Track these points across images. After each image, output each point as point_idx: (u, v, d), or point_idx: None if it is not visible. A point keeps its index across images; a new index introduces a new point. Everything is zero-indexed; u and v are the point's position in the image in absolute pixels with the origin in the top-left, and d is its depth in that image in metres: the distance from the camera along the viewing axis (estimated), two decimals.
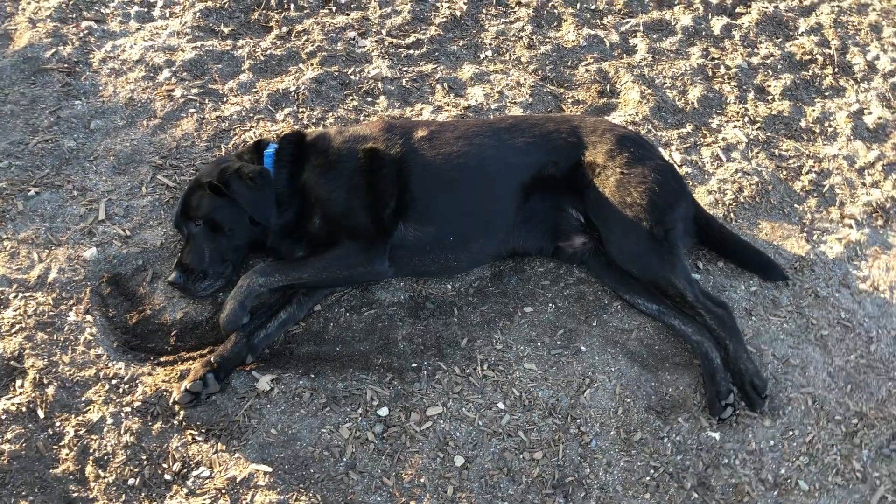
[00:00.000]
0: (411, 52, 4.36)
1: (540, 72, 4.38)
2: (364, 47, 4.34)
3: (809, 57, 4.74)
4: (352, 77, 4.15)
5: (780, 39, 4.86)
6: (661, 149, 3.97)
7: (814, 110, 4.40)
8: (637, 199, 3.21)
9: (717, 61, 4.62)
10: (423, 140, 3.27)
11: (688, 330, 3.21)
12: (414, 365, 3.06)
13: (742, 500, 2.85)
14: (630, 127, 4.05)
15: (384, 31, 4.46)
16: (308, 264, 3.07)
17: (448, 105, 4.06)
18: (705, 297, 3.22)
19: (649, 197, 3.22)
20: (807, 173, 4.03)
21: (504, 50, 4.50)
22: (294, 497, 2.66)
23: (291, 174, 3.24)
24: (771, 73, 4.59)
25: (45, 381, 2.84)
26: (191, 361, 3.00)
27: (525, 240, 3.36)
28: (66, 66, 3.94)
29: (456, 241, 3.22)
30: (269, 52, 4.21)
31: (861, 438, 3.07)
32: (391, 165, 3.19)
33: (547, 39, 4.59)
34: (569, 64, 4.47)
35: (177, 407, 2.83)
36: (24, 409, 2.76)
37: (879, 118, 4.36)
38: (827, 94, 4.54)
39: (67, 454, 2.69)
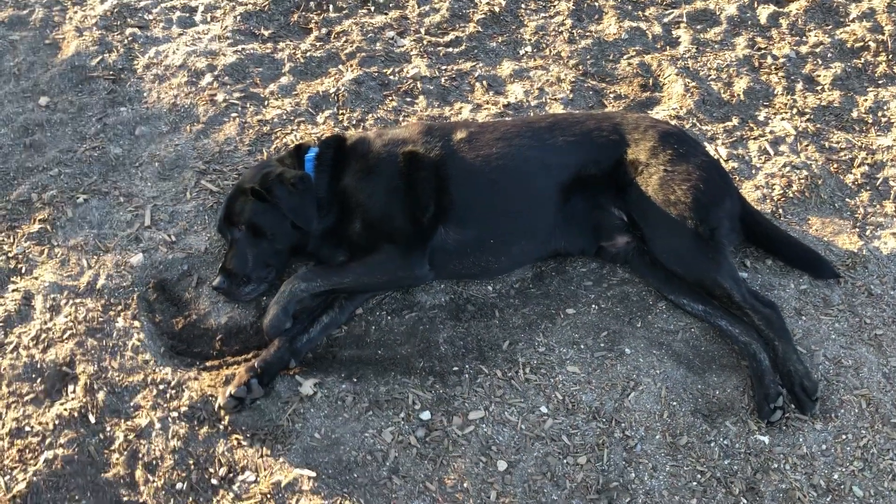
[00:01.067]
0: (450, 50, 4.34)
1: (581, 66, 4.32)
2: (403, 47, 4.33)
3: (861, 44, 4.58)
4: (391, 77, 4.14)
5: (829, 27, 4.71)
6: (706, 143, 3.89)
7: (866, 100, 4.26)
8: (681, 197, 3.15)
9: (763, 51, 4.50)
10: (463, 142, 3.25)
11: (735, 331, 3.14)
12: (455, 368, 3.05)
13: None
14: (674, 121, 3.98)
15: (423, 30, 4.45)
16: (349, 269, 3.08)
17: (488, 103, 4.03)
18: (752, 296, 3.15)
19: (694, 195, 3.16)
20: (859, 166, 3.91)
21: (544, 45, 4.44)
22: (338, 502, 2.68)
23: (332, 178, 3.25)
24: (820, 62, 4.45)
25: (96, 387, 2.90)
26: (236, 366, 3.04)
27: (567, 240, 3.33)
28: (111, 73, 4.01)
29: (496, 244, 3.20)
30: (308, 54, 4.23)
31: None
32: (430, 169, 3.18)
33: (587, 33, 4.52)
34: (610, 58, 4.39)
35: (222, 412, 2.88)
36: (75, 414, 2.82)
37: None
38: (880, 82, 4.38)
39: (118, 458, 2.75)
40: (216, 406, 2.89)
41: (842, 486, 2.84)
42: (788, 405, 2.99)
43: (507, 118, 3.86)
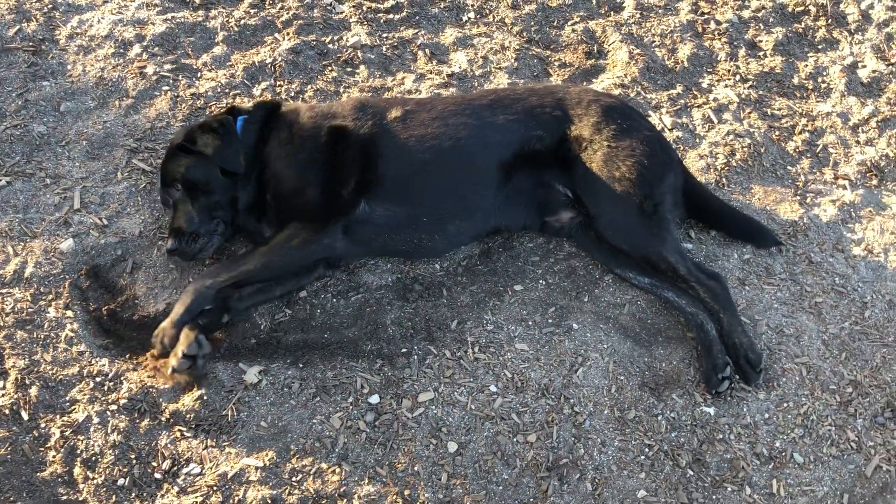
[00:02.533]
0: (391, 16, 4.20)
1: (525, 33, 4.24)
2: (342, 13, 4.18)
3: (802, 8, 4.60)
4: (330, 46, 4.00)
5: None
6: (650, 112, 3.88)
7: (807, 65, 4.29)
8: (625, 172, 3.14)
9: (707, 16, 4.48)
10: (397, 120, 3.19)
11: (682, 302, 3.17)
12: (404, 350, 3.01)
13: (737, 475, 2.84)
14: (619, 90, 3.94)
15: None
16: (255, 256, 3.02)
17: (431, 72, 3.93)
18: (697, 269, 3.17)
19: (637, 170, 3.15)
20: (800, 133, 3.95)
21: (487, 11, 4.34)
22: (287, 491, 2.63)
23: (258, 141, 3.20)
24: (762, 26, 4.46)
25: (28, 382, 2.78)
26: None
27: (509, 218, 3.29)
28: (31, 44, 3.78)
29: (430, 222, 3.15)
30: (242, 22, 4.04)
31: (855, 408, 3.05)
32: (356, 145, 3.13)
33: None
34: (554, 24, 4.32)
35: (175, 375, 2.80)
36: (7, 411, 2.70)
37: (874, 71, 4.26)
38: (820, 47, 4.42)
39: (54, 456, 2.64)
40: (169, 370, 2.80)
41: (783, 454, 2.91)
42: (734, 376, 3.03)
43: (446, 95, 3.76)
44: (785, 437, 2.95)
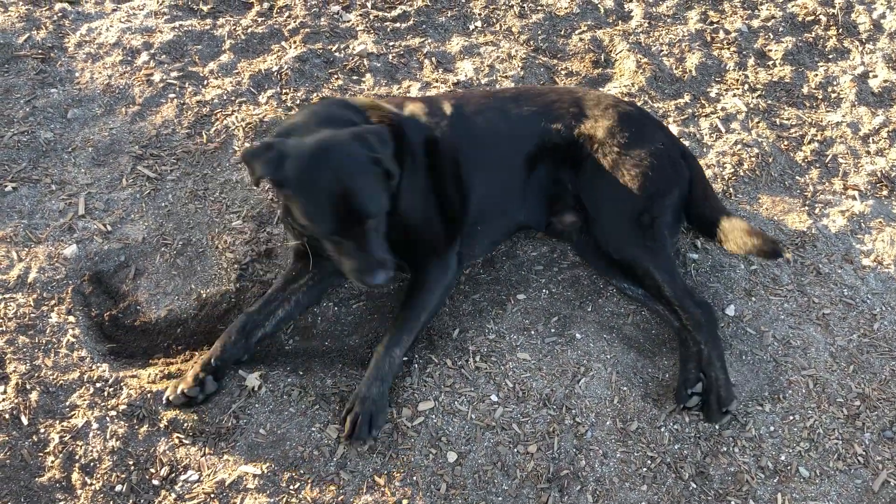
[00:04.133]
0: (398, 25, 4.21)
1: (532, 42, 4.23)
2: (348, 21, 4.19)
3: (812, 17, 4.56)
4: (336, 54, 4.01)
5: (781, 0, 4.67)
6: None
7: (816, 75, 4.25)
8: (629, 181, 3.11)
9: (715, 25, 4.45)
10: (456, 119, 3.13)
11: (671, 316, 3.12)
12: (405, 358, 2.99)
13: (741, 488, 2.80)
14: (626, 98, 3.92)
15: (369, 4, 4.31)
16: (419, 309, 2.95)
17: (437, 81, 3.93)
18: (685, 294, 3.06)
19: (641, 181, 3.11)
20: (809, 143, 3.91)
21: (494, 20, 4.34)
22: (284, 499, 2.61)
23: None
24: (772, 36, 4.43)
25: (28, 387, 2.78)
26: (176, 358, 2.94)
27: (530, 214, 3.29)
28: (40, 52, 3.81)
29: (483, 224, 3.19)
30: (250, 30, 4.06)
31: (863, 421, 3.00)
32: (448, 155, 3.07)
33: (539, 7, 4.42)
34: (562, 33, 4.31)
35: (170, 407, 2.78)
36: (7, 415, 2.70)
37: (885, 81, 4.21)
38: (830, 56, 4.38)
39: (53, 461, 2.64)
40: (164, 399, 2.79)
41: (788, 467, 2.86)
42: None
43: (469, 91, 3.75)
44: (790, 451, 2.90)
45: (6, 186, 3.32)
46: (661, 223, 3.14)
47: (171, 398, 2.78)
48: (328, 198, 2.58)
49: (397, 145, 2.83)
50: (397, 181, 2.74)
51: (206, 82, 3.81)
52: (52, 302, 3.01)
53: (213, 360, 2.82)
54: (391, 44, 4.09)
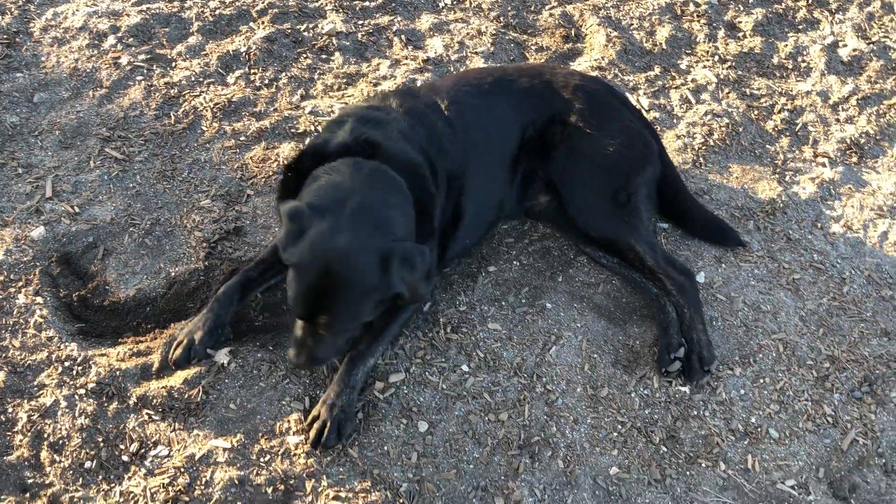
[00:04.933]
0: (367, 4, 4.20)
1: (502, 18, 4.22)
2: (317, 2, 4.17)
3: None
4: (305, 34, 3.99)
5: None
6: (628, 94, 3.85)
7: (787, 45, 4.26)
8: (601, 161, 3.13)
9: None
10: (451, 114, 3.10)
11: (648, 284, 3.14)
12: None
13: (712, 451, 2.81)
14: (596, 72, 3.92)
15: None
16: (399, 322, 2.92)
17: (406, 58, 3.92)
18: (667, 262, 3.12)
19: (614, 160, 3.14)
20: (779, 112, 3.92)
21: None
22: (255, 472, 2.61)
23: None
24: (742, 7, 4.43)
25: None
26: (145, 337, 2.93)
27: (509, 210, 3.31)
28: (5, 36, 3.78)
29: (471, 225, 3.18)
30: (217, 11, 4.05)
31: (832, 382, 3.02)
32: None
33: None
34: (532, 9, 4.31)
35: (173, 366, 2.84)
36: None
37: (854, 50, 4.23)
38: (800, 27, 4.39)
39: (21, 440, 2.63)
40: (170, 359, 2.81)
41: (759, 429, 2.88)
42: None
43: (448, 76, 3.73)
44: (760, 413, 2.92)
45: None
46: (636, 199, 3.16)
47: (175, 358, 2.83)
48: (308, 292, 2.51)
49: (427, 185, 2.82)
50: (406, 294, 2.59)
51: (173, 64, 3.79)
52: (20, 283, 3.00)
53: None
54: (360, 22, 4.08)
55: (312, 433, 2.70)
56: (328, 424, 2.69)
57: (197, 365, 2.83)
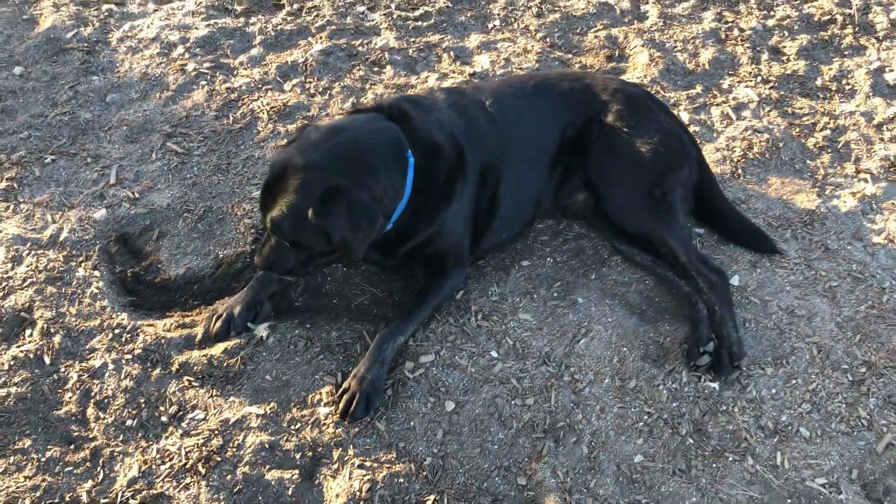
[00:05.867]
0: (419, 23, 4.42)
1: (548, 39, 4.39)
2: (373, 21, 4.42)
3: (829, 17, 4.63)
4: (359, 49, 4.22)
5: (797, 1, 4.75)
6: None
7: (831, 69, 4.30)
8: (639, 158, 3.20)
9: (730, 24, 4.55)
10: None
11: (680, 281, 3.16)
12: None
13: (740, 445, 2.79)
14: None
15: (393, 5, 4.53)
16: (431, 304, 3.04)
17: (454, 72, 4.10)
18: (700, 261, 3.15)
19: (651, 158, 3.20)
20: (821, 130, 3.94)
21: (512, 20, 4.52)
22: (284, 438, 2.71)
23: (422, 200, 3.00)
24: (787, 34, 4.50)
25: (52, 331, 2.96)
26: (192, 312, 3.09)
27: (545, 209, 3.40)
28: (85, 45, 4.12)
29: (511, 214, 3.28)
30: (279, 27, 4.32)
31: (868, 387, 2.96)
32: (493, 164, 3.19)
33: (556, 8, 4.59)
34: (578, 31, 4.46)
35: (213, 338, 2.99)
36: (31, 355, 2.88)
37: None
38: (846, 53, 4.42)
39: (70, 397, 2.79)
40: (211, 331, 2.98)
41: (789, 427, 2.84)
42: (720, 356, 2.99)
43: (494, 81, 3.87)
44: (791, 412, 2.89)
45: (46, 158, 3.57)
46: (672, 197, 3.21)
47: (214, 329, 2.98)
48: (264, 190, 2.73)
49: (454, 170, 2.99)
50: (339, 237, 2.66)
51: (235, 72, 4.05)
52: (80, 258, 3.21)
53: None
54: (412, 40, 4.30)
55: (342, 404, 2.79)
56: (357, 396, 2.78)
57: (236, 338, 2.97)
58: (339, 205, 2.63)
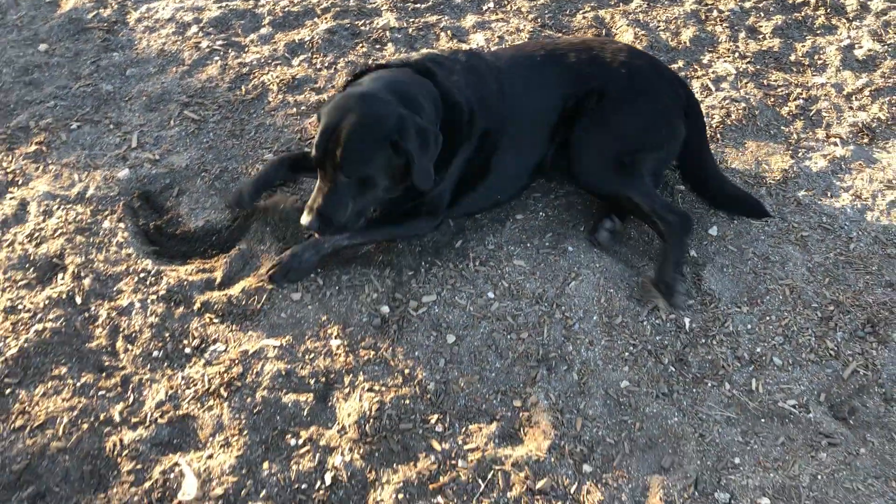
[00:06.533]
0: (418, 5, 4.70)
1: (539, 20, 4.67)
2: (374, 3, 4.70)
3: (802, 0, 4.93)
4: (362, 28, 4.50)
5: None
6: None
7: (804, 45, 4.58)
8: (618, 132, 3.40)
9: (710, 6, 4.84)
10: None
11: (654, 230, 3.43)
12: (412, 262, 3.33)
13: (717, 373, 3.04)
14: None
15: None
16: (388, 233, 3.31)
17: (451, 49, 4.37)
18: (665, 208, 3.35)
19: (631, 133, 3.41)
20: (794, 100, 4.22)
21: (506, 1, 4.80)
22: (299, 366, 2.95)
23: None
24: (763, 14, 4.79)
25: (83, 274, 3.20)
26: (210, 260, 3.34)
27: (544, 171, 3.62)
28: (105, 24, 4.38)
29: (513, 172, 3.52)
30: (287, 9, 4.60)
31: (836, 322, 3.22)
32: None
33: None
34: (567, 12, 4.75)
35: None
36: (64, 296, 3.11)
37: (870, 50, 4.52)
38: (818, 31, 4.71)
39: (101, 332, 3.03)
40: (226, 203, 3.42)
41: (763, 357, 3.09)
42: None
43: (512, 46, 4.10)
44: (766, 344, 3.14)
45: (72, 125, 3.82)
46: (640, 166, 3.40)
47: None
48: (327, 129, 2.90)
49: (463, 131, 3.21)
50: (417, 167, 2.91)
51: (246, 49, 4.32)
52: (106, 213, 3.45)
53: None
54: (411, 20, 4.57)
55: (269, 269, 3.16)
56: (282, 264, 3.14)
57: (242, 212, 3.36)
58: (411, 131, 2.88)
